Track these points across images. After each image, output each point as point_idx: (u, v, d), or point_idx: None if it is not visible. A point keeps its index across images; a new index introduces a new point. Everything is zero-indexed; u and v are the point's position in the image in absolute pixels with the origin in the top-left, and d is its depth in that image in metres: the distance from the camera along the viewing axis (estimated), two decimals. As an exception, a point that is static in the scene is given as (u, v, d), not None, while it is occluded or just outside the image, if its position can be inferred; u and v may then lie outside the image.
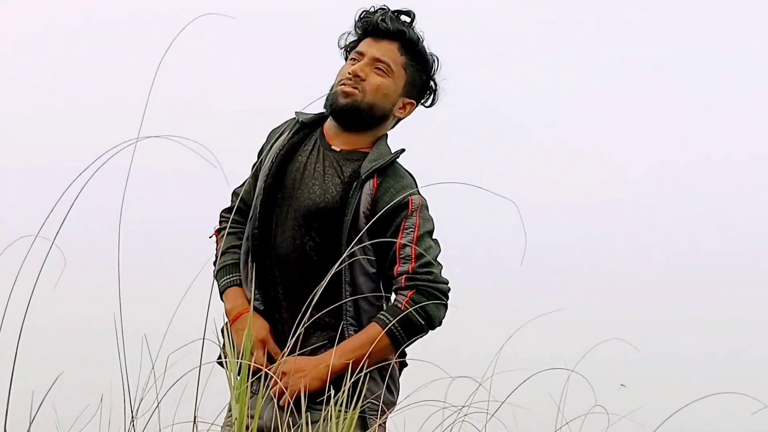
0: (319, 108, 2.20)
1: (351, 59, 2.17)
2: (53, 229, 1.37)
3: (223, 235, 2.20)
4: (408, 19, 2.20)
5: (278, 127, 2.24)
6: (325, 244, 2.02)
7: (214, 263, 2.17)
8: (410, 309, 1.95)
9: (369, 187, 2.04)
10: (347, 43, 2.22)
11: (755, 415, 1.58)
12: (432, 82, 2.22)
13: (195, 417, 1.41)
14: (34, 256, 1.37)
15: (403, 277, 1.99)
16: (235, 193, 2.26)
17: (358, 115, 2.11)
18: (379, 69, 2.13)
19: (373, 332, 1.94)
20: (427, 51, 2.20)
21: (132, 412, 1.45)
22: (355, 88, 2.10)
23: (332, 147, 2.13)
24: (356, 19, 2.20)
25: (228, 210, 2.25)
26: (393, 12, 2.19)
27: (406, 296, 1.97)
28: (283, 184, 2.09)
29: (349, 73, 2.12)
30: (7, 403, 1.37)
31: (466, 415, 1.56)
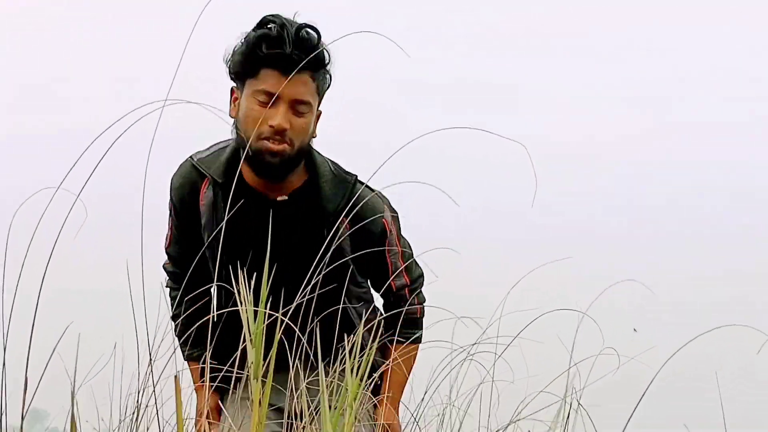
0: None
1: (260, 102, 1.89)
2: (73, 186, 1.39)
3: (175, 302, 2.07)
4: (315, 36, 1.92)
5: (181, 178, 2.04)
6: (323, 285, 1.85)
7: (172, 318, 2.03)
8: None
9: (342, 226, 1.92)
10: (237, 68, 1.93)
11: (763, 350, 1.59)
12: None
13: (207, 360, 1.43)
14: (55, 210, 1.39)
15: (406, 289, 2.10)
16: (169, 255, 2.11)
17: (289, 165, 1.93)
18: (300, 112, 1.91)
19: (413, 350, 2.11)
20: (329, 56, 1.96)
21: (151, 355, 1.48)
22: (283, 143, 1.89)
23: (276, 198, 1.97)
24: (251, 42, 1.89)
25: (171, 273, 2.12)
26: (298, 33, 1.89)
27: (415, 303, 2.12)
28: (240, 259, 1.81)
29: (271, 126, 1.87)
30: (28, 355, 1.39)
31: (473, 355, 1.58)
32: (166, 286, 2.12)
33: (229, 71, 1.97)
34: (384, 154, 2.14)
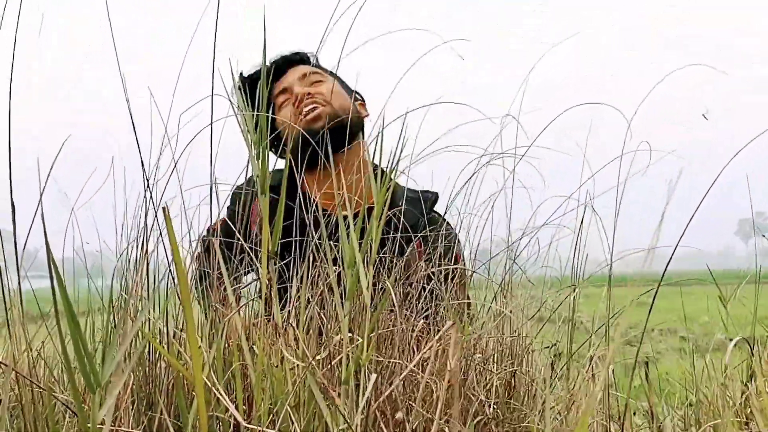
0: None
1: (281, 102, 1.94)
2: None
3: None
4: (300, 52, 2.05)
5: (240, 192, 1.75)
6: None
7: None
8: None
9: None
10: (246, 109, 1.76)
11: None
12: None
13: (213, 177, 1.34)
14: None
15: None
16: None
17: (339, 127, 1.81)
18: (313, 80, 1.94)
19: None
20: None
21: (146, 175, 1.39)
22: (315, 103, 1.86)
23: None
24: (249, 79, 1.90)
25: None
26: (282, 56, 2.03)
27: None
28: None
29: (296, 97, 1.89)
30: (9, 165, 1.30)
31: (491, 159, 1.48)
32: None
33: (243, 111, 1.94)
34: None
